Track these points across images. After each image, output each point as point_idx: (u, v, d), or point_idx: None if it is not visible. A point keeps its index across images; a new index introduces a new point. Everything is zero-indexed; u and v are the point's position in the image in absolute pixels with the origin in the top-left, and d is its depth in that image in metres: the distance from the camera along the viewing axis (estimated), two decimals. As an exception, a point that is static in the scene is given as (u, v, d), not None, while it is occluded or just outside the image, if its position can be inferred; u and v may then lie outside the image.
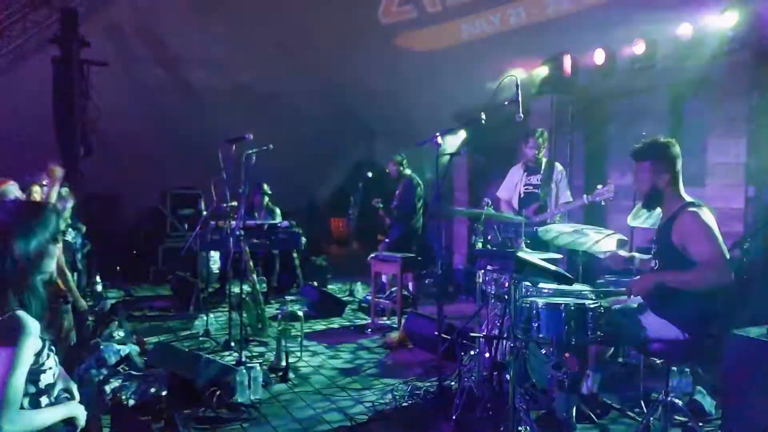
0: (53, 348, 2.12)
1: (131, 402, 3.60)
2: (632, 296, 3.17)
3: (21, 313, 1.95)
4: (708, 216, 2.98)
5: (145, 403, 3.60)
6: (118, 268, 8.95)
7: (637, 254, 3.51)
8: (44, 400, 2.07)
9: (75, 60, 8.02)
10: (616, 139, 7.12)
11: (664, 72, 6.35)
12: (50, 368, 2.08)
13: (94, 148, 8.43)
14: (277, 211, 8.21)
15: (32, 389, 2.01)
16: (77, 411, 2.15)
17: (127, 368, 4.26)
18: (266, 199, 8.12)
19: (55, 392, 2.13)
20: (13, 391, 1.87)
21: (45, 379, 2.06)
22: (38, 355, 2.01)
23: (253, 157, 5.19)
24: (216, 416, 3.68)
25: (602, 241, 3.66)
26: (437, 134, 4.09)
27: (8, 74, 9.22)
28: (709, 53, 5.78)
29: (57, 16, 8.42)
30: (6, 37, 9.03)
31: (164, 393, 3.69)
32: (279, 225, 7.68)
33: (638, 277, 3.21)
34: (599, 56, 6.75)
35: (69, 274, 3.91)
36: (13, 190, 3.05)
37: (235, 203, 5.75)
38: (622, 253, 3.52)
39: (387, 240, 7.15)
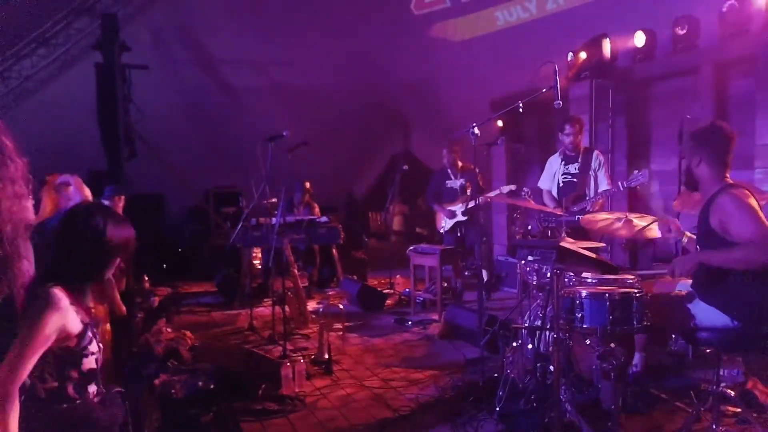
0: (96, 334, 2.10)
1: (180, 395, 3.71)
2: (675, 277, 3.06)
3: (54, 289, 1.93)
4: (747, 196, 2.87)
5: (193, 396, 3.70)
6: (164, 265, 9.19)
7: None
8: (92, 388, 2.07)
9: (117, 64, 8.26)
10: (659, 123, 6.91)
11: (708, 51, 6.14)
12: (93, 354, 2.06)
13: (137, 149, 8.67)
14: (316, 206, 8.29)
15: (74, 374, 2.00)
16: None
17: (175, 363, 4.39)
18: (306, 195, 8.20)
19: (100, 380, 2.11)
20: (23, 364, 1.80)
21: (87, 364, 2.04)
22: (80, 338, 2.00)
23: (290, 154, 5.25)
24: (262, 409, 3.74)
25: (649, 228, 3.57)
26: (474, 125, 4.06)
27: (54, 81, 9.56)
28: (756, 29, 5.56)
29: (98, 23, 8.67)
30: (51, 45, 9.36)
31: (212, 386, 3.79)
32: (318, 220, 7.76)
33: (681, 256, 3.11)
34: (639, 38, 6.58)
35: (112, 280, 3.99)
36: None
37: (274, 200, 5.83)
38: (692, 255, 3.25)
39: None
